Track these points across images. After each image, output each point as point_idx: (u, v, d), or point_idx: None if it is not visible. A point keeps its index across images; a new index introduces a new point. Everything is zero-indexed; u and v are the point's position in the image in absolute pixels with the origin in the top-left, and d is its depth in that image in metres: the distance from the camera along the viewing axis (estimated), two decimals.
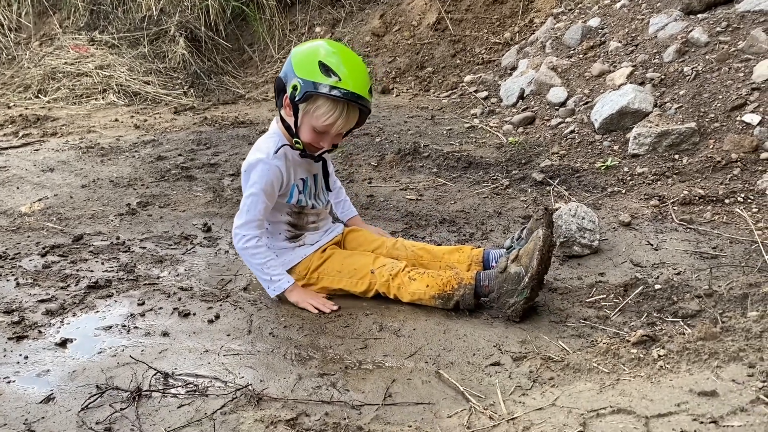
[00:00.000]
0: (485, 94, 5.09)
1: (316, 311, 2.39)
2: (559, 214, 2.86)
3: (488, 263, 2.48)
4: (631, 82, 4.02)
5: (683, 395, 1.64)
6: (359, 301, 2.49)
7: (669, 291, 2.28)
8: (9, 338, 2.27)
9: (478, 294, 2.31)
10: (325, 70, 2.16)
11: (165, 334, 2.29)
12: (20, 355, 2.17)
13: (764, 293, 2.10)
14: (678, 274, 2.48)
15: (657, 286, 2.31)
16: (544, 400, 1.77)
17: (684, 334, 1.96)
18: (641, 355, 1.87)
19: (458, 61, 5.87)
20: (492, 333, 2.22)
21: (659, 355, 1.83)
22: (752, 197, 3.01)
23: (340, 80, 2.16)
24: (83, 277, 2.73)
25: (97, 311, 2.47)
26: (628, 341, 2.00)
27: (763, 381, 1.60)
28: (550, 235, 2.21)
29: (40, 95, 6.46)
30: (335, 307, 2.41)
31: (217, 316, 2.40)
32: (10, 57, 7.39)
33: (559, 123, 4.08)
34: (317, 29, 6.86)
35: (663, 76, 3.95)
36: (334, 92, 2.17)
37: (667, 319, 2.14)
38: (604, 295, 2.35)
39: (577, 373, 1.88)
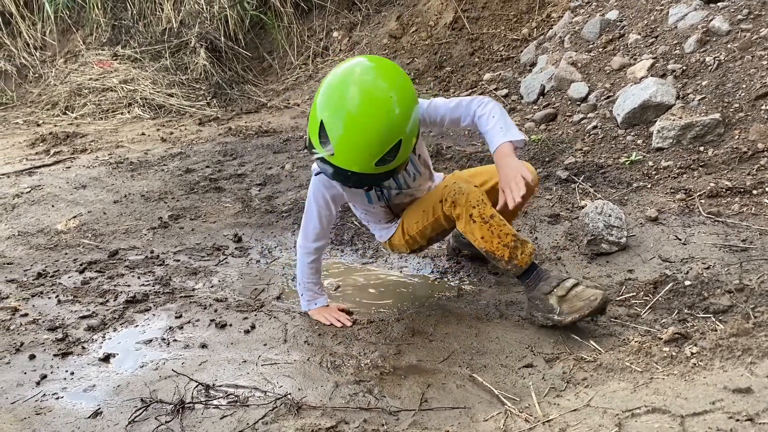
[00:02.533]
0: (505, 91, 5.09)
1: (339, 324, 2.41)
2: (585, 212, 2.87)
3: None
4: (652, 75, 4.00)
5: (718, 393, 1.66)
6: (392, 308, 2.53)
7: (699, 287, 2.28)
8: (55, 355, 2.35)
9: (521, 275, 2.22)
10: (323, 133, 1.94)
11: (204, 345, 2.35)
12: (66, 371, 2.25)
13: None
14: (707, 268, 2.48)
15: (687, 282, 2.32)
16: (579, 401, 1.80)
17: (716, 330, 1.97)
18: (674, 353, 1.88)
19: (477, 60, 5.87)
20: (524, 335, 2.24)
21: (692, 353, 1.85)
22: None
23: (332, 154, 1.95)
24: (121, 292, 2.81)
25: (137, 325, 2.54)
26: (660, 339, 2.02)
27: None
28: (601, 311, 2.15)
29: (67, 111, 6.61)
30: (349, 323, 2.41)
31: (253, 326, 2.46)
32: (36, 75, 7.57)
33: (582, 119, 4.08)
34: (335, 34, 6.91)
35: (685, 67, 3.93)
36: (324, 167, 2.01)
37: (698, 316, 2.15)
38: (634, 293, 2.36)
39: (610, 373, 1.90)
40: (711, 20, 4.06)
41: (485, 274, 2.76)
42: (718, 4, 4.25)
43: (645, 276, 2.53)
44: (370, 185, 2.18)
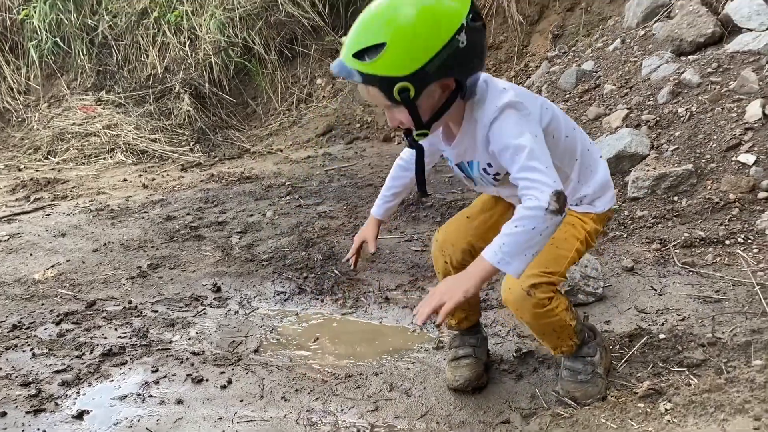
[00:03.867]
0: None
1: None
2: None
3: None
4: (627, 125, 4.10)
5: None
6: (370, 361, 2.53)
7: (673, 340, 2.31)
8: (27, 412, 2.32)
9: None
10: None
11: (179, 402, 2.33)
12: (38, 429, 2.21)
13: (766, 341, 2.12)
14: (682, 320, 2.51)
15: (661, 336, 2.35)
16: None
17: (690, 385, 1.99)
18: (648, 410, 1.89)
19: None
20: (501, 389, 2.25)
21: (666, 409, 1.86)
22: (752, 237, 3.05)
23: None
24: (97, 345, 2.78)
25: (112, 380, 2.51)
26: (636, 393, 2.03)
27: None
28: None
29: (49, 156, 6.61)
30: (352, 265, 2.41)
31: (230, 381, 2.44)
32: (19, 119, 7.58)
33: None
34: (318, 81, 7.01)
35: (658, 118, 4.03)
36: None
37: (673, 369, 2.17)
38: (610, 346, 2.38)
39: (585, 429, 1.91)
40: (682, 73, 4.19)
41: None
42: (689, 57, 4.40)
43: (621, 328, 2.55)
44: (362, 83, 1.71)
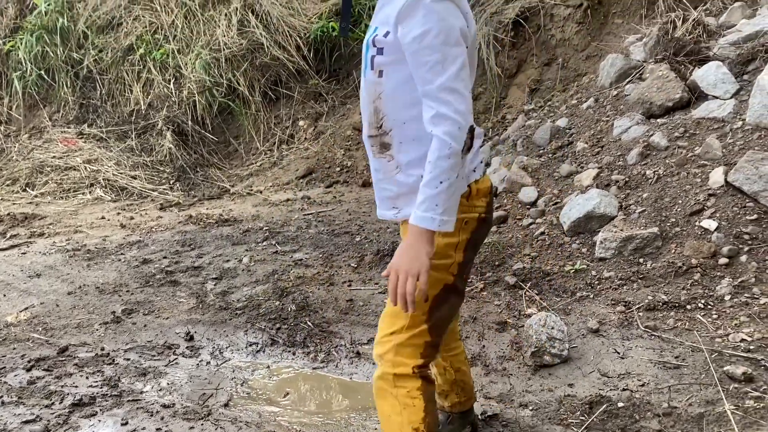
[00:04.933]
0: None
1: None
2: (530, 323, 2.99)
3: None
4: (597, 185, 4.24)
5: None
6: (338, 419, 2.57)
7: (631, 409, 2.39)
8: None
9: None
10: None
11: None
12: None
13: (718, 413, 2.21)
14: (642, 386, 2.59)
15: (620, 404, 2.43)
16: None
17: None
18: None
19: None
20: None
21: None
22: (712, 303, 3.16)
23: None
24: (68, 394, 2.79)
25: None
26: None
27: None
28: None
29: (27, 189, 6.60)
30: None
31: None
32: None
33: (531, 223, 4.27)
34: (301, 123, 7.13)
35: (627, 179, 4.17)
36: None
37: None
38: (572, 412, 2.45)
39: None
40: (651, 135, 4.35)
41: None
42: (658, 120, 4.57)
43: (584, 391, 2.62)
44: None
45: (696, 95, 4.55)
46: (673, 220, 3.69)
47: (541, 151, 5.08)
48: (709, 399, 2.37)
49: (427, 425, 1.75)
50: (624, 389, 2.58)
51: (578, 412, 2.44)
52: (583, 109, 5.29)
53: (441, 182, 1.55)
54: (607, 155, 4.50)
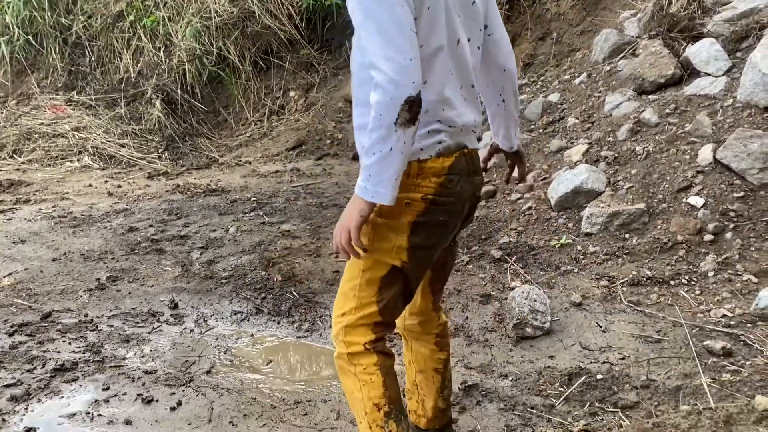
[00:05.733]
0: None
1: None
2: (513, 296, 3.00)
3: None
4: (586, 160, 4.23)
5: None
6: (320, 387, 2.58)
7: (610, 381, 2.41)
8: None
9: None
10: None
11: (128, 422, 2.35)
12: None
13: (695, 386, 2.23)
14: (623, 359, 2.61)
15: (599, 376, 2.44)
16: None
17: (621, 426, 2.08)
18: None
19: None
20: None
21: None
22: (695, 279, 3.18)
23: None
24: (50, 359, 2.78)
25: (62, 397, 2.52)
26: (570, 431, 2.12)
27: None
28: None
29: (14, 156, 6.54)
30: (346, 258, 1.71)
31: (179, 403, 2.47)
32: None
33: (518, 198, 4.26)
34: (291, 93, 7.06)
35: (616, 155, 4.16)
36: None
37: (607, 410, 2.27)
38: (551, 383, 2.47)
39: None
40: (642, 111, 4.33)
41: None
42: (650, 96, 4.55)
43: (564, 364, 2.64)
44: None
45: (689, 72, 4.52)
46: (661, 196, 3.69)
47: (532, 126, 5.05)
48: (687, 372, 2.39)
49: (388, 399, 1.73)
50: (604, 362, 2.60)
51: (557, 383, 2.46)
52: (575, 84, 5.26)
53: (374, 153, 1.51)
54: (597, 131, 4.49)
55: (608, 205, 3.71)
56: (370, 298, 1.71)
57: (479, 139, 1.83)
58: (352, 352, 1.74)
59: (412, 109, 1.48)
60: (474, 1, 1.68)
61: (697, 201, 3.55)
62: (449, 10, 1.61)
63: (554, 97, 5.20)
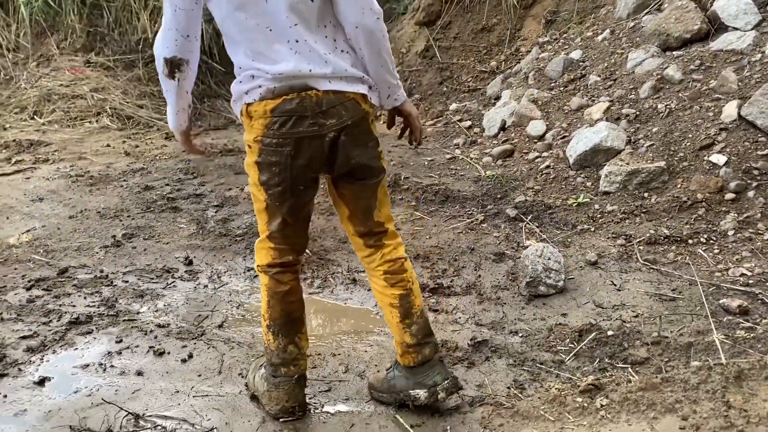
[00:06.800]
0: (469, 123, 5.20)
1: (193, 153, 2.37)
2: (526, 254, 2.96)
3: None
4: (607, 118, 4.13)
5: None
6: (330, 341, 2.59)
7: (621, 337, 2.38)
8: None
9: None
10: None
11: (139, 373, 2.39)
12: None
13: (708, 343, 2.20)
14: (636, 317, 2.58)
15: (610, 333, 2.41)
16: None
17: (630, 382, 2.05)
18: (585, 404, 1.96)
19: (445, 89, 5.99)
20: None
21: (602, 405, 1.93)
22: (714, 238, 3.11)
23: None
24: (65, 313, 2.82)
25: (76, 348, 2.56)
26: (578, 387, 2.10)
27: None
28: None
29: (35, 117, 6.58)
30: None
31: (191, 356, 2.49)
32: (7, 77, 7.51)
33: (536, 157, 4.19)
34: None
35: (638, 113, 4.06)
36: None
37: (617, 366, 2.24)
38: (561, 340, 2.45)
39: (525, 421, 1.98)
40: (666, 68, 4.20)
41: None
42: (674, 52, 4.41)
43: (576, 321, 2.61)
44: None
45: (716, 27, 4.37)
46: (682, 154, 3.60)
47: (552, 84, 4.94)
48: (701, 329, 2.35)
49: (270, 315, 2.09)
50: (617, 319, 2.57)
51: (567, 340, 2.44)
52: (598, 41, 5.12)
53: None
54: (619, 88, 4.37)
55: (627, 164, 3.63)
56: (262, 226, 2.05)
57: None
58: (256, 269, 2.12)
59: (168, 66, 1.89)
60: None
61: (719, 159, 3.45)
62: None
63: (576, 55, 5.07)
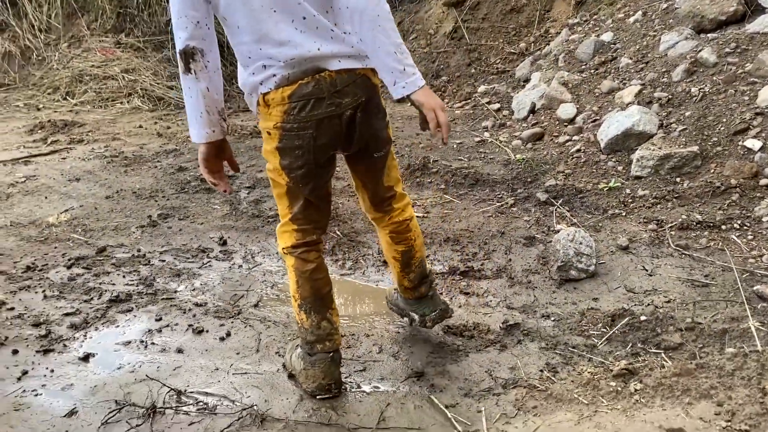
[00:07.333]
0: (497, 106, 5.19)
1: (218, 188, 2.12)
2: (558, 238, 2.97)
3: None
4: (638, 102, 4.10)
5: (653, 431, 1.76)
6: (363, 322, 2.64)
7: (654, 322, 2.39)
8: (37, 351, 2.46)
9: None
10: None
11: (180, 350, 2.46)
12: (47, 368, 2.35)
13: (743, 329, 2.20)
14: (668, 302, 2.58)
15: (643, 318, 2.42)
16: (526, 429, 1.91)
17: (663, 367, 2.07)
18: (619, 388, 1.99)
19: (473, 71, 5.96)
20: (485, 358, 2.35)
21: (636, 389, 1.95)
22: (748, 224, 3.09)
23: None
24: (105, 291, 2.91)
25: (118, 326, 2.65)
26: (611, 371, 2.12)
27: (728, 420, 1.72)
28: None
29: (68, 97, 6.69)
30: (222, 189, 2.13)
31: (228, 334, 2.56)
32: (40, 58, 7.64)
33: (567, 141, 4.18)
34: None
35: (670, 96, 4.02)
36: None
37: (650, 351, 2.26)
38: (594, 324, 2.47)
39: (558, 403, 2.01)
40: (700, 51, 4.15)
41: (456, 293, 2.86)
42: (708, 35, 4.35)
43: (608, 306, 2.63)
44: None
45: (752, 8, 4.30)
46: (715, 139, 3.57)
47: (583, 67, 4.91)
48: (735, 316, 2.35)
49: (300, 294, 2.14)
50: (649, 304, 2.58)
51: (600, 324, 2.46)
52: (630, 23, 5.06)
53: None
54: (651, 71, 4.33)
55: (660, 148, 3.60)
56: (284, 210, 2.11)
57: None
58: (281, 252, 2.17)
59: (182, 59, 1.84)
60: None
61: (754, 144, 3.42)
62: None
63: (607, 37, 5.02)
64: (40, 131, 5.31)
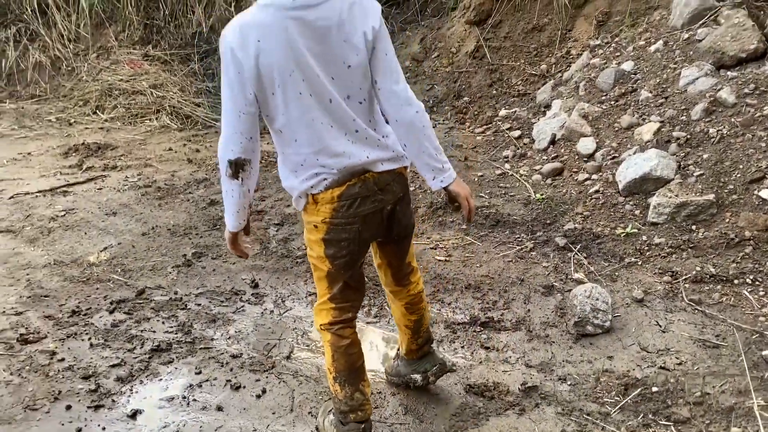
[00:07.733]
0: (518, 133, 5.29)
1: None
2: (575, 293, 3.11)
3: None
4: (657, 140, 4.19)
5: None
6: (387, 383, 2.81)
7: (665, 394, 2.53)
8: (88, 407, 2.66)
9: None
10: None
11: (219, 408, 2.65)
12: (98, 425, 2.55)
13: (748, 408, 2.33)
14: (679, 364, 2.72)
15: (654, 389, 2.57)
16: None
17: None
18: None
19: (494, 92, 6.05)
20: (504, 423, 2.51)
21: None
22: (760, 279, 3.20)
23: None
24: (147, 339, 3.10)
25: (161, 379, 2.84)
26: None
27: None
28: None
29: (98, 112, 6.89)
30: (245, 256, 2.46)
31: (264, 391, 2.74)
32: (69, 68, 7.84)
33: (586, 179, 4.29)
34: None
35: (689, 136, 4.11)
36: None
37: (660, 423, 2.40)
38: (608, 392, 2.61)
39: None
40: (719, 90, 4.22)
41: (477, 347, 3.02)
42: (728, 72, 4.41)
43: (622, 366, 2.77)
44: None
45: None
46: (731, 186, 3.66)
47: (603, 97, 4.98)
48: (742, 389, 2.49)
49: (335, 368, 2.31)
50: (661, 367, 2.72)
51: (614, 392, 2.60)
52: (650, 51, 5.11)
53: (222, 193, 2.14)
54: (670, 108, 4.41)
55: (676, 195, 3.71)
56: (323, 290, 2.29)
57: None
58: (318, 328, 2.34)
59: (232, 167, 2.02)
60: (350, 66, 1.97)
61: None
62: (312, 81, 1.94)
63: (628, 66, 5.08)
64: (74, 154, 5.51)
